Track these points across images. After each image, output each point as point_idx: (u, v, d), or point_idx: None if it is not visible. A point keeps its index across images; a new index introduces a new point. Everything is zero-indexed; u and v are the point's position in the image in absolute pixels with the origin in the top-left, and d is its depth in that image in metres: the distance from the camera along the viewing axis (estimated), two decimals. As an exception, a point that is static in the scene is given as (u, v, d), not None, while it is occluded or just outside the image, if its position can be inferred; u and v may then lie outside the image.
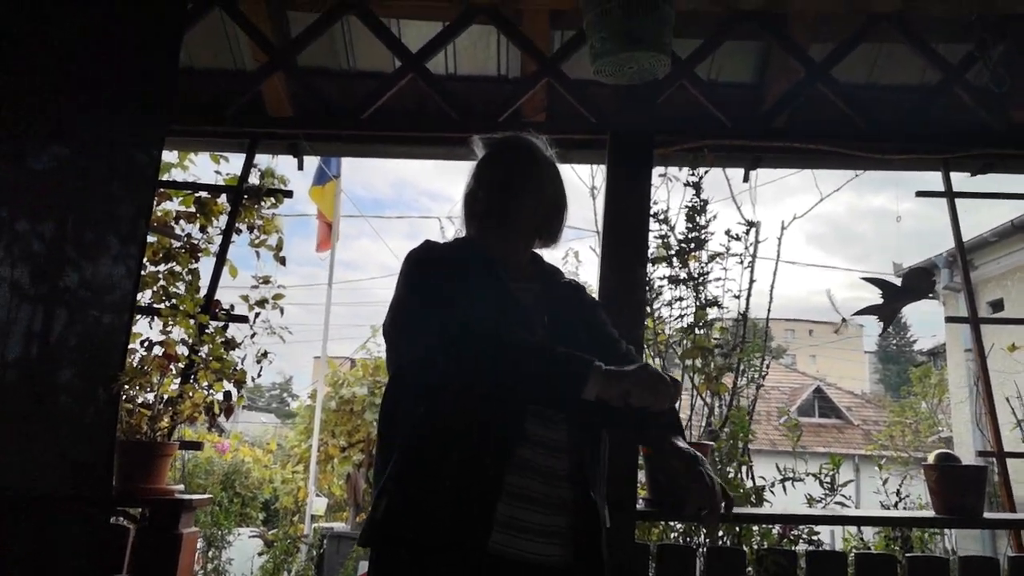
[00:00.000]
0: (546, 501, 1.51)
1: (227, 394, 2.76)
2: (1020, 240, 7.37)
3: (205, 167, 3.40)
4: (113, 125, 2.66)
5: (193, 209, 3.00)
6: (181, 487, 2.43)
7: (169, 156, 3.14)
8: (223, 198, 3.03)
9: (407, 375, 1.57)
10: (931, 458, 2.46)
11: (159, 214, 2.97)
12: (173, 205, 3.03)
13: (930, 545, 2.86)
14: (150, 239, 2.86)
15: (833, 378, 22.56)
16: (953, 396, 9.19)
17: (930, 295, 2.77)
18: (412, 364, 1.55)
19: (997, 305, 8.12)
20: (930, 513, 2.48)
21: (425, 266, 1.63)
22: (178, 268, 2.90)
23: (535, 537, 1.49)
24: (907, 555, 2.49)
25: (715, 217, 2.65)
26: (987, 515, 2.44)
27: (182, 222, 3.00)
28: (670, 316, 2.70)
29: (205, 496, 2.49)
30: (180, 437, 2.70)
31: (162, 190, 2.99)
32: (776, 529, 2.65)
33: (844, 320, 2.65)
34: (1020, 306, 7.59)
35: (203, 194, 3.01)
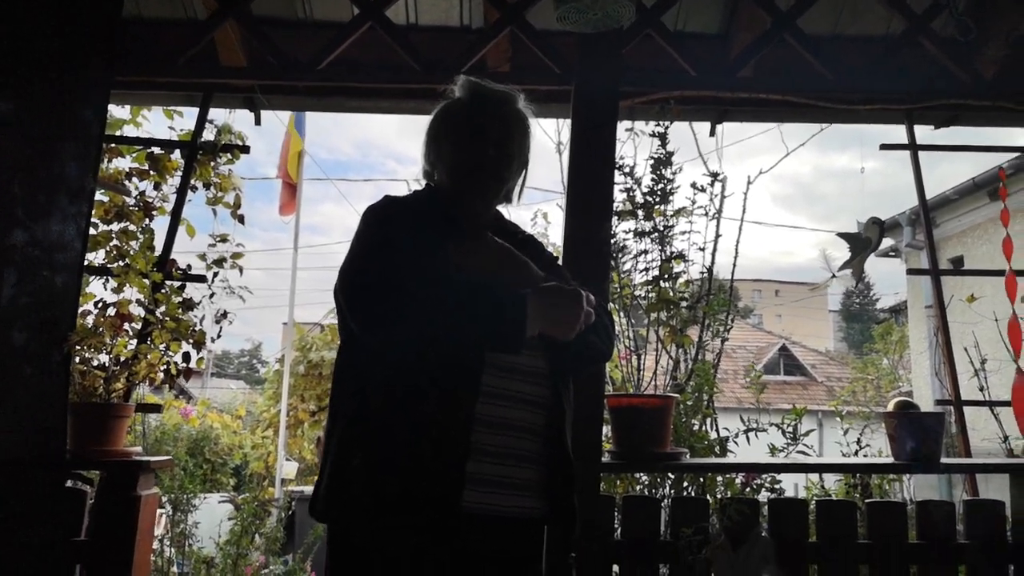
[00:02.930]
0: (520, 455, 1.50)
1: (186, 355, 2.69)
2: (981, 197, 7.47)
3: (160, 124, 3.29)
4: (54, 78, 2.54)
5: (146, 166, 2.90)
6: (139, 449, 2.38)
7: (122, 112, 3.03)
8: (177, 154, 2.94)
9: (358, 339, 1.52)
10: (891, 406, 2.50)
11: (111, 171, 2.86)
12: (126, 163, 2.93)
13: (889, 492, 2.92)
14: (103, 197, 2.77)
15: (798, 337, 22.98)
16: (913, 351, 9.41)
17: (885, 246, 2.80)
18: (361, 329, 1.49)
19: (957, 262, 8.27)
20: (889, 459, 2.52)
21: (378, 225, 1.57)
22: (132, 227, 2.81)
23: (508, 491, 1.47)
24: (866, 501, 2.54)
25: (680, 170, 2.63)
26: (944, 460, 2.49)
27: (135, 179, 2.90)
28: (635, 270, 2.69)
29: (164, 458, 2.44)
30: (139, 400, 2.64)
31: (113, 146, 2.89)
32: (739, 479, 2.69)
33: (833, 276, 2.68)
34: (979, 262, 7.72)
35: (156, 150, 2.91)
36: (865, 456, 3.03)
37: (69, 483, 2.34)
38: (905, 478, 4.01)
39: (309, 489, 7.77)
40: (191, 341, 2.70)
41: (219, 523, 4.39)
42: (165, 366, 2.60)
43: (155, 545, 3.70)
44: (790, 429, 2.72)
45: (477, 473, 1.43)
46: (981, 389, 3.00)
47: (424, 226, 1.57)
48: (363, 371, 1.50)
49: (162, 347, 2.60)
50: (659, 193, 2.59)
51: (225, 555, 3.94)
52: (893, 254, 9.72)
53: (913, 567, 2.44)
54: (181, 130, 2.99)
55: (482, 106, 1.66)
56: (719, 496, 2.60)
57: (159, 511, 3.93)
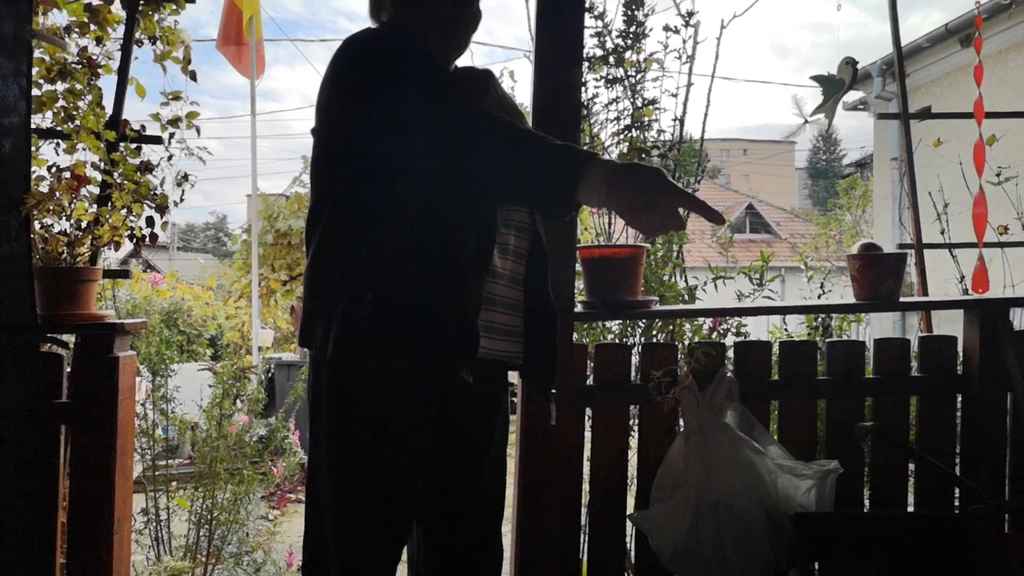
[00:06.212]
0: (512, 304, 1.61)
1: (150, 219, 2.64)
2: (952, 45, 7.35)
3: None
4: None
5: (85, 19, 2.71)
6: (112, 312, 2.36)
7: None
8: (117, 6, 2.74)
9: (368, 167, 1.44)
10: (854, 248, 2.56)
11: (47, 27, 2.67)
12: (63, 17, 2.74)
13: (848, 332, 3.04)
14: (43, 56, 2.60)
15: (765, 195, 23.20)
16: (877, 203, 9.57)
17: (854, 99, 2.75)
18: (388, 153, 1.41)
19: (926, 112, 8.27)
20: (851, 300, 2.61)
21: (396, 50, 1.48)
22: (78, 86, 2.66)
23: (506, 337, 1.60)
24: (827, 340, 2.65)
25: (653, 11, 2.52)
26: (903, 299, 2.59)
27: (75, 35, 2.72)
28: (606, 120, 2.63)
29: (138, 320, 2.44)
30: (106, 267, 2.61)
31: (46, -2, 2.68)
32: (707, 325, 2.77)
33: (806, 121, 2.66)
34: (948, 111, 7.72)
35: (93, 1, 2.71)
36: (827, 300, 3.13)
37: (45, 348, 2.33)
38: (863, 323, 4.18)
39: (287, 355, 7.91)
40: (153, 205, 2.63)
41: (200, 389, 4.47)
42: (129, 230, 2.55)
43: (138, 409, 3.77)
44: (756, 276, 2.78)
45: (485, 320, 1.52)
46: (942, 232, 3.07)
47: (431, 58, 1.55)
48: (374, 215, 1.44)
49: (123, 211, 2.54)
50: (631, 36, 2.49)
51: (209, 417, 4.04)
52: (862, 107, 9.66)
53: (869, 399, 2.59)
54: (119, -20, 2.78)
55: None
56: (687, 341, 2.69)
57: (138, 379, 3.97)
